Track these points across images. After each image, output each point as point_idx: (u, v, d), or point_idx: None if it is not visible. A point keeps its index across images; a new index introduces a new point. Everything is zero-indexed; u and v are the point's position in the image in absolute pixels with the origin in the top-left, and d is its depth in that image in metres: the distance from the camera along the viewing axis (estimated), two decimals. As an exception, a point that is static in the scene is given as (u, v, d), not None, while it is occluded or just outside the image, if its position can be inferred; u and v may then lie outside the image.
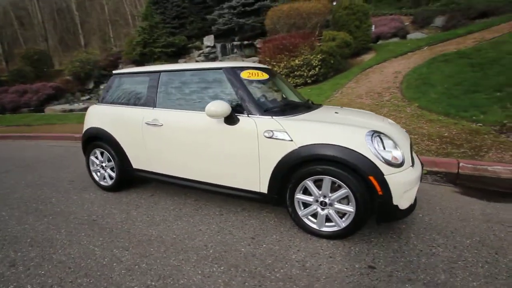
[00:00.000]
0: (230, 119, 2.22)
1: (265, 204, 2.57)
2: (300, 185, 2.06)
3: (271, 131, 2.09)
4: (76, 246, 2.11)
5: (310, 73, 8.67)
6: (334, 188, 1.98)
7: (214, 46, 14.96)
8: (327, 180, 1.95)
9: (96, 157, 3.21)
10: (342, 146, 1.86)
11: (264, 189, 2.22)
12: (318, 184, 2.02)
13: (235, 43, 15.19)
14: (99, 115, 3.14)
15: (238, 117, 2.23)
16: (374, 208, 1.90)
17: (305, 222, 2.12)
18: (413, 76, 6.85)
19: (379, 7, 15.49)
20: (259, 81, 2.53)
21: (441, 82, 6.16)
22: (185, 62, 15.31)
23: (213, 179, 2.46)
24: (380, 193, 1.82)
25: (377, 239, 2.04)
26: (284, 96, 2.87)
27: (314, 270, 1.75)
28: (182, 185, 2.68)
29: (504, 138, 3.85)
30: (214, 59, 14.71)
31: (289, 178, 2.08)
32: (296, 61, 8.65)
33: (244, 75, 2.42)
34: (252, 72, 2.50)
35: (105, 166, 3.16)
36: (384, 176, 1.80)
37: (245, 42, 15.06)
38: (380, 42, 11.50)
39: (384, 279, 1.65)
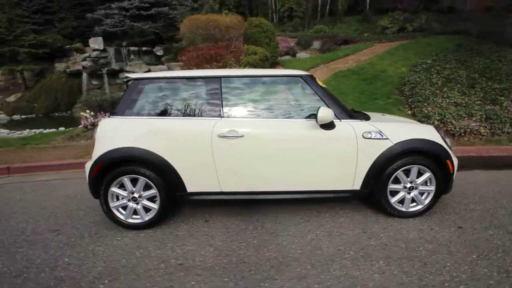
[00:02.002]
0: (329, 125, 2.32)
1: (348, 200, 2.82)
2: (393, 176, 2.43)
3: (369, 132, 2.36)
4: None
5: None
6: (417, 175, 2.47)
7: (104, 50, 12.80)
8: (415, 168, 2.42)
9: (123, 188, 2.41)
10: (428, 140, 2.39)
11: (357, 186, 2.44)
12: (405, 173, 2.46)
13: (132, 48, 13.58)
14: (129, 132, 2.36)
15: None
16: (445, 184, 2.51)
17: (395, 208, 2.51)
18: (328, 87, 8.50)
19: (268, 27, 17.74)
20: (326, 89, 2.71)
21: (350, 92, 7.98)
22: (68, 66, 12.33)
23: (302, 186, 2.44)
24: (451, 171, 2.45)
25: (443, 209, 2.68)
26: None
27: (433, 236, 2.18)
28: (258, 199, 2.49)
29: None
30: (105, 65, 12.59)
31: (383, 172, 2.41)
32: (226, 71, 8.82)
33: (319, 82, 2.56)
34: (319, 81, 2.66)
35: (140, 196, 2.42)
36: (452, 157, 2.45)
37: (144, 49, 13.76)
38: (278, 59, 13.31)
39: (470, 233, 2.26)
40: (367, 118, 2.60)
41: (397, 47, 11.11)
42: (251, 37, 10.81)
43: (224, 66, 8.91)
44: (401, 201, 2.51)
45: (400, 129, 2.44)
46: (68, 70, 12.30)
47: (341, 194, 2.48)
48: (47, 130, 8.01)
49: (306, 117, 2.40)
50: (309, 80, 2.48)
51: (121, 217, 2.44)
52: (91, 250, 2.17)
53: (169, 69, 11.34)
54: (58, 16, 14.43)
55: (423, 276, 1.75)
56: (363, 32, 16.03)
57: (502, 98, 6.51)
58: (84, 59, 12.54)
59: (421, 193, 2.52)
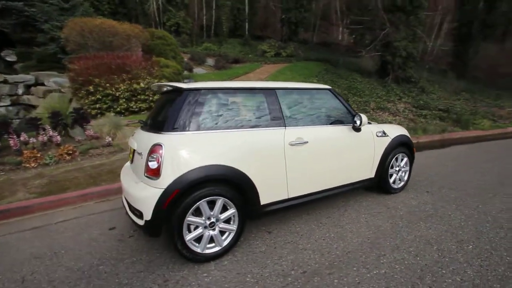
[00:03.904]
0: (359, 128, 2.90)
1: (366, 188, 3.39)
2: (391, 164, 3.28)
3: (379, 132, 3.12)
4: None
5: (155, 97, 8.37)
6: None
7: None
8: (400, 156, 3.37)
9: (198, 215, 2.02)
10: (405, 135, 3.40)
11: (373, 174, 3.14)
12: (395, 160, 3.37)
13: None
14: (203, 148, 2.02)
15: (354, 125, 2.97)
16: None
17: (393, 187, 3.36)
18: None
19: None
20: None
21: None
22: None
23: (345, 180, 2.88)
24: (414, 154, 3.58)
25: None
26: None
27: (418, 199, 3.15)
28: (309, 201, 2.71)
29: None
30: None
31: (385, 161, 3.22)
32: (142, 84, 7.96)
33: (336, 93, 3.11)
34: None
35: (217, 220, 2.10)
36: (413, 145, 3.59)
37: (-15, 52, 10.05)
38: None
39: (436, 193, 3.42)
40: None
41: (284, 68, 13.35)
42: (154, 49, 10.14)
43: (135, 78, 8.00)
44: (394, 182, 3.41)
45: (391, 129, 3.34)
46: None
47: (364, 183, 3.10)
48: None
49: (335, 123, 2.86)
50: (334, 92, 2.99)
51: (197, 249, 2.06)
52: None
53: (37, 79, 8.82)
54: None
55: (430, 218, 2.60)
56: (247, 54, 18.02)
57: (367, 107, 9.27)
58: None
59: (404, 172, 3.50)
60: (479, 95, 11.84)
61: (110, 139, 5.29)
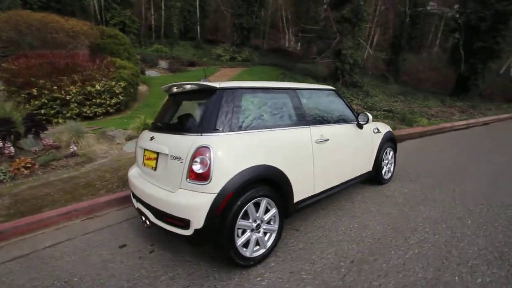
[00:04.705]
0: (363, 125, 3.14)
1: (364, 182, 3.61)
2: (383, 157, 3.62)
3: (375, 128, 3.42)
4: None
5: (113, 101, 7.64)
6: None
7: None
8: (389, 149, 3.75)
9: (244, 217, 1.93)
10: (391, 131, 3.80)
11: (371, 167, 3.43)
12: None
13: None
14: (247, 149, 1.95)
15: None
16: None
17: (385, 178, 3.71)
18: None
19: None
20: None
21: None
22: None
23: (353, 174, 3.08)
24: (396, 148, 4.02)
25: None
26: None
27: (408, 185, 3.56)
28: (324, 197, 2.82)
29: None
30: None
31: (380, 154, 3.54)
32: (97, 87, 7.18)
33: (337, 94, 3.31)
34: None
35: (262, 222, 2.03)
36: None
37: None
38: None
39: (415, 180, 3.90)
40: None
41: (242, 72, 13.48)
42: (105, 48, 9.24)
43: (89, 80, 7.18)
44: (384, 173, 3.77)
45: (380, 126, 3.69)
46: None
47: (365, 176, 3.36)
48: None
49: (343, 121, 3.06)
50: (338, 92, 3.19)
51: (246, 254, 1.97)
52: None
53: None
54: None
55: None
56: (201, 57, 17.68)
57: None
58: None
59: (391, 164, 3.90)
60: (411, 97, 13.80)
61: (75, 148, 4.63)
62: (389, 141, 3.74)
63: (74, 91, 6.83)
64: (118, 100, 7.68)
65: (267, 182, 2.08)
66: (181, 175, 1.89)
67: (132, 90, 8.34)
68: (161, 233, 2.54)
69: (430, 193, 3.38)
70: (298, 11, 21.23)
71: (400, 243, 2.30)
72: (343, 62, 12.52)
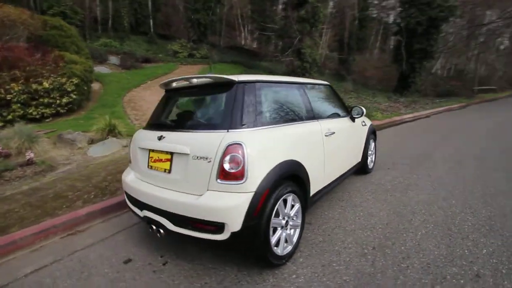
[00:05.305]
0: (355, 119, 3.29)
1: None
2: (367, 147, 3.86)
3: (362, 122, 3.61)
4: None
5: (64, 100, 6.79)
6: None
7: None
8: (371, 140, 4.00)
9: (277, 214, 1.85)
10: (372, 124, 4.06)
11: (360, 158, 3.62)
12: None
13: None
14: (276, 144, 1.88)
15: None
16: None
17: (369, 167, 3.95)
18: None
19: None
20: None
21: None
22: None
23: (348, 167, 3.19)
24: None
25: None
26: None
27: (391, 174, 3.86)
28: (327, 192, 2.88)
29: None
30: None
31: (367, 146, 3.76)
32: (45, 84, 6.28)
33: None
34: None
35: (289, 217, 1.97)
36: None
37: None
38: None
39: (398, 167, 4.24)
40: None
41: (204, 69, 13.09)
42: (49, 40, 8.11)
43: (34, 76, 6.26)
44: (369, 163, 4.02)
45: (366, 119, 3.91)
46: None
47: (356, 167, 3.53)
48: None
49: (341, 115, 3.17)
50: (332, 88, 3.28)
51: (278, 252, 1.91)
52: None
53: None
54: None
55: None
56: (156, 53, 16.66)
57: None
58: None
59: (373, 154, 4.16)
60: (362, 94, 14.98)
61: (32, 155, 3.98)
62: (372, 133, 4.00)
63: (16, 89, 5.85)
64: (70, 99, 6.83)
65: (292, 178, 2.04)
66: (209, 176, 1.74)
67: (85, 88, 7.48)
68: (169, 242, 2.32)
69: (411, 179, 3.71)
70: (254, 10, 21.37)
71: (407, 226, 2.47)
72: (303, 60, 12.99)
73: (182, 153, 1.88)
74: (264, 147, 1.83)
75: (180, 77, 2.21)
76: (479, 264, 1.91)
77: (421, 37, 14.39)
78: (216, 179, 1.72)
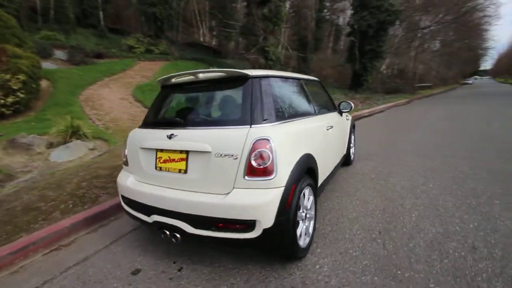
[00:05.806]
0: (342, 113, 3.46)
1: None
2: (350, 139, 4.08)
3: (346, 116, 3.81)
4: None
5: (10, 100, 5.94)
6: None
7: None
8: (352, 134, 4.25)
9: (299, 207, 1.87)
10: (352, 118, 4.31)
11: (345, 150, 3.83)
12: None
13: None
14: (296, 139, 1.94)
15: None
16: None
17: (351, 159, 4.19)
18: (143, 100, 8.14)
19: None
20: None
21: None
22: None
23: (339, 159, 3.36)
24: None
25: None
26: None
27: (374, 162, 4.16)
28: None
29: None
30: None
31: (351, 138, 3.98)
32: (-15, 82, 5.40)
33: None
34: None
35: (308, 210, 2.00)
36: (351, 127, 4.60)
37: None
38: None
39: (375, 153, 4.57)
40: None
41: (167, 66, 12.52)
42: (-18, 31, 6.93)
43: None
44: (351, 154, 4.26)
45: (348, 115, 4.13)
46: None
47: (343, 159, 3.72)
48: None
49: (331, 109, 3.31)
50: (322, 83, 3.40)
51: (301, 244, 1.92)
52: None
53: None
54: None
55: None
56: (107, 48, 15.32)
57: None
58: None
59: (354, 146, 4.42)
60: (322, 91, 15.82)
61: (-17, 164, 3.39)
62: (353, 127, 4.25)
63: None
64: (17, 99, 5.97)
65: (308, 170, 2.07)
66: (235, 173, 1.68)
67: (34, 86, 6.60)
68: (177, 247, 2.19)
69: (389, 168, 4.03)
70: (213, 6, 20.97)
71: (401, 210, 2.69)
72: (267, 58, 13.20)
73: (202, 151, 1.77)
74: (287, 142, 1.83)
75: (185, 72, 2.08)
76: (471, 237, 2.16)
77: (371, 39, 15.65)
78: (244, 176, 1.66)
